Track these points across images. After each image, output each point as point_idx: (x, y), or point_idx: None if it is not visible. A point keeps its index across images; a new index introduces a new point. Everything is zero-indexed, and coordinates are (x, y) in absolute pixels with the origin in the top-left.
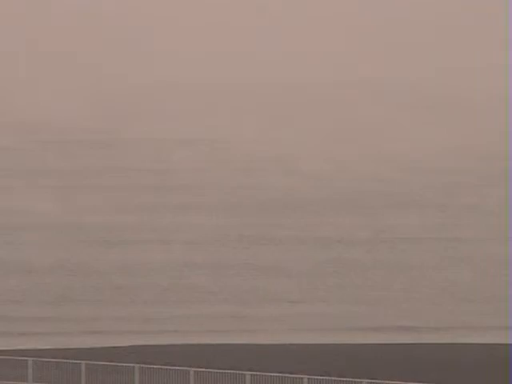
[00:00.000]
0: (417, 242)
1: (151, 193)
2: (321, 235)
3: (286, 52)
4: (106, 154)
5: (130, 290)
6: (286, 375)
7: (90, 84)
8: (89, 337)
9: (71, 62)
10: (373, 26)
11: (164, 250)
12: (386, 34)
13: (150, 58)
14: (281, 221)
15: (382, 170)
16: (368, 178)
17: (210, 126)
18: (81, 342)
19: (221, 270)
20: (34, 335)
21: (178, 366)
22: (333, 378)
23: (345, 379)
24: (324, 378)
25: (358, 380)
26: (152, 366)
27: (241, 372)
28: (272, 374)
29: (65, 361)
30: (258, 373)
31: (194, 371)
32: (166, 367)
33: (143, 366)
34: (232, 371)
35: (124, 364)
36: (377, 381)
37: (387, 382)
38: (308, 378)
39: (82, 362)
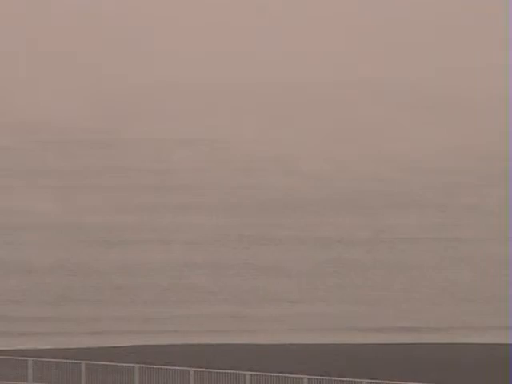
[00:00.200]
0: (417, 242)
1: (151, 193)
2: (321, 235)
3: (286, 52)
4: (106, 154)
5: (130, 290)
6: (286, 375)
7: (90, 84)
8: (89, 337)
9: (71, 62)
10: (373, 26)
11: (164, 250)
12: (385, 34)
13: (150, 58)
14: (281, 221)
15: (382, 170)
16: (368, 178)
17: (209, 126)
18: (81, 342)
19: (221, 269)
20: (34, 335)
21: (178, 365)
22: (333, 378)
23: (345, 379)
24: (324, 378)
25: (358, 380)
26: (152, 366)
27: (241, 372)
28: (272, 374)
29: (65, 361)
30: (258, 373)
31: (194, 371)
32: (166, 367)
33: (143, 365)
34: (232, 371)
35: (124, 364)
36: (377, 381)
37: (387, 382)
38: (308, 378)
39: (82, 361)
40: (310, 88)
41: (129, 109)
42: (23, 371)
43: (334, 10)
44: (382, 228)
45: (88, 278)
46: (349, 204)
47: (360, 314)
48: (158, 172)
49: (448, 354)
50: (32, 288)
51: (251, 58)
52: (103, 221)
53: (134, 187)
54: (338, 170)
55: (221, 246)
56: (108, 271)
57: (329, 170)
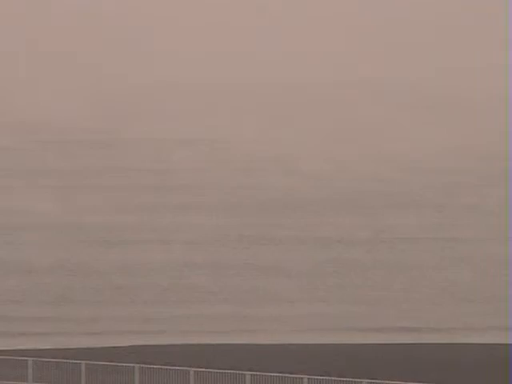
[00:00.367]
0: (417, 242)
1: (151, 193)
2: (321, 235)
3: (286, 52)
4: (105, 154)
5: (130, 289)
6: (286, 375)
7: (90, 84)
8: (89, 337)
9: (71, 62)
10: (373, 26)
11: (164, 250)
12: (385, 34)
13: (150, 57)
14: (281, 221)
15: (382, 170)
16: (368, 178)
17: (209, 125)
18: (81, 341)
19: (221, 269)
20: (34, 335)
21: (178, 365)
22: (333, 378)
23: (345, 379)
24: (324, 377)
25: (358, 380)
26: (152, 366)
27: (241, 372)
28: (272, 374)
29: (65, 361)
30: (258, 373)
31: (194, 371)
32: (166, 367)
33: (143, 365)
34: (232, 371)
35: (124, 364)
36: (377, 381)
37: (387, 382)
38: (308, 378)
39: (82, 361)
40: (310, 88)
41: (129, 109)
42: (23, 371)
43: (334, 10)
44: (382, 228)
45: (88, 278)
46: (349, 204)
47: (360, 314)
48: (158, 172)
49: (448, 353)
50: (32, 288)
51: (251, 58)
52: (103, 221)
53: (134, 187)
54: (338, 170)
55: (221, 246)
56: (108, 271)
57: (329, 170)
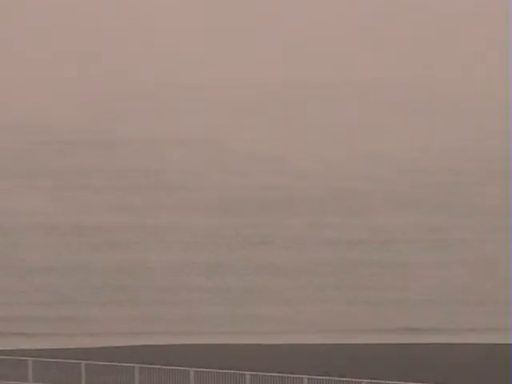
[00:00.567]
0: (416, 242)
1: (150, 193)
2: (321, 235)
3: (286, 52)
4: (105, 154)
5: (130, 290)
6: (286, 375)
7: (90, 84)
8: (89, 337)
9: (71, 62)
10: (373, 26)
11: (164, 250)
12: (385, 34)
13: (148, 57)
14: (280, 221)
15: (382, 170)
16: (368, 177)
17: (209, 126)
18: (81, 342)
19: (221, 269)
20: (34, 335)
21: (178, 366)
22: (333, 378)
23: (345, 379)
24: (324, 377)
25: (358, 380)
26: (152, 366)
27: (241, 372)
28: (272, 374)
29: (65, 361)
30: (258, 373)
31: (194, 371)
32: (165, 367)
33: (143, 365)
34: (232, 371)
35: (124, 364)
36: (377, 381)
37: (387, 382)
38: (308, 378)
39: (82, 362)
40: (310, 88)
41: (128, 109)
42: (23, 371)
43: (334, 10)
44: (382, 228)
45: (88, 278)
46: (348, 204)
47: (360, 314)
48: (157, 172)
49: (448, 353)
50: (32, 288)
51: (251, 58)
52: (102, 221)
53: (133, 187)
54: (339, 170)
55: (220, 246)
56: (108, 271)
57: (329, 170)
